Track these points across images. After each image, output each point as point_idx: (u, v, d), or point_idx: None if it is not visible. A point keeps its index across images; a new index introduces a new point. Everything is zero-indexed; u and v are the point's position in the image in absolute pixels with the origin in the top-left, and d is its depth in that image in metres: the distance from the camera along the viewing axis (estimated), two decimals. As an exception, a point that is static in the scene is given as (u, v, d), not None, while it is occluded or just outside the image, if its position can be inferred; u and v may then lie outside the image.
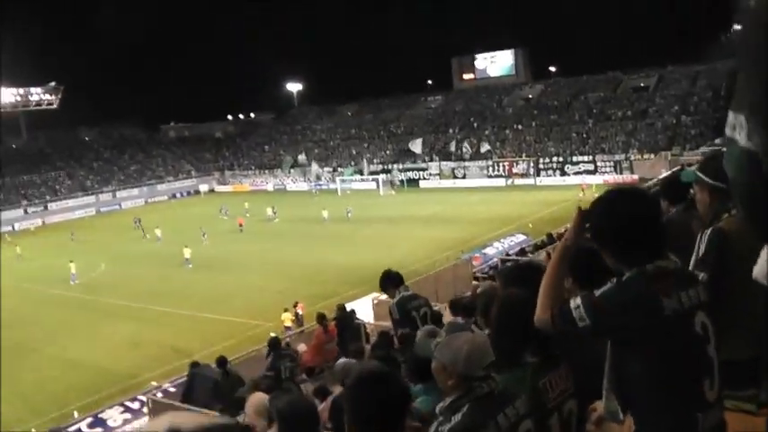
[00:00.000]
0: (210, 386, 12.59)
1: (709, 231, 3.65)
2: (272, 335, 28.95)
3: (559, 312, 2.95)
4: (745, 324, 3.38)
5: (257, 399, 6.37)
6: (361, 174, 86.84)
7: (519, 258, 22.98)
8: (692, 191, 4.58)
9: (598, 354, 3.09)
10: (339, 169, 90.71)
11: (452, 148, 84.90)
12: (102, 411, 18.37)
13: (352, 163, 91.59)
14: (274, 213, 64.82)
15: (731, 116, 2.24)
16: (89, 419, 17.93)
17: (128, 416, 17.61)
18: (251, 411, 6.01)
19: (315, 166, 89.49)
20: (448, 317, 10.69)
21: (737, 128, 2.18)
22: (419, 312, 9.35)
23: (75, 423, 18.06)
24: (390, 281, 9.65)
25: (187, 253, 46.86)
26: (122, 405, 18.30)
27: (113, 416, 17.99)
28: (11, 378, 27.94)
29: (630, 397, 2.92)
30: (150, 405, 15.37)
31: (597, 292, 2.87)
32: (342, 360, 8.22)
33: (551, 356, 3.58)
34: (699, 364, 2.82)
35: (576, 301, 2.88)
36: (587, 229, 3.12)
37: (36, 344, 33.03)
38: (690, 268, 3.54)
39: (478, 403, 3.12)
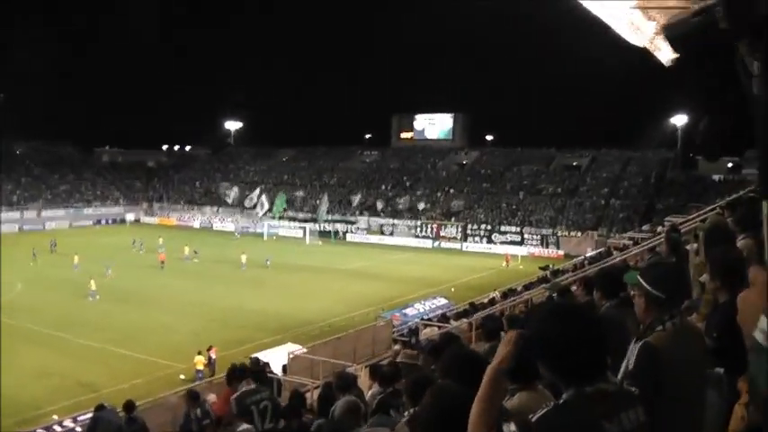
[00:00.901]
0: (113, 432, 12.36)
1: (640, 345, 3.62)
2: (182, 377, 28.75)
3: None
4: None
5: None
6: (289, 219, 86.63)
7: (441, 325, 23.09)
8: (631, 291, 4.51)
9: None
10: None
11: (380, 205, 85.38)
12: (-4, 445, 17.86)
13: (281, 194, 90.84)
14: (195, 253, 63.36)
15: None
16: (-19, 452, 17.41)
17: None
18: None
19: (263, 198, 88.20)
20: (364, 380, 10.76)
21: None
22: (259, 407, 9.46)
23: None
24: (234, 375, 10.10)
25: (93, 285, 45.55)
26: (20, 439, 17.83)
27: (9, 449, 17.51)
28: None
29: None
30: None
31: (534, 417, 2.68)
32: (244, 426, 8.17)
33: None
34: None
35: (509, 427, 2.74)
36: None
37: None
38: (619, 376, 3.56)
39: None
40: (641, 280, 3.86)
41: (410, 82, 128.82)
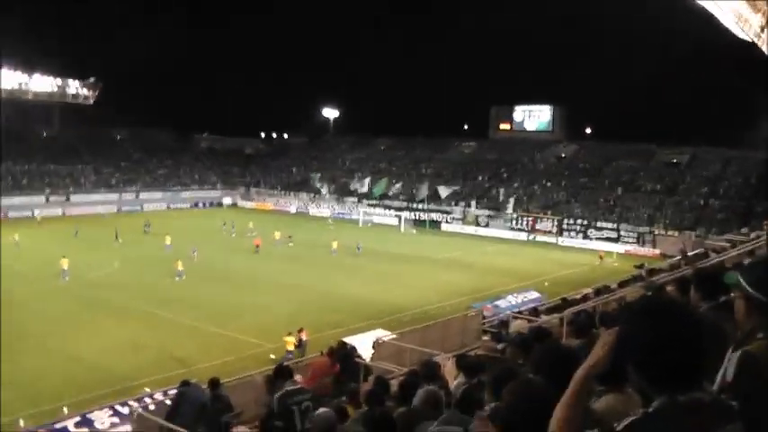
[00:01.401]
0: (197, 408, 12.37)
1: (739, 354, 3.22)
2: (273, 356, 28.98)
3: None
4: None
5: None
6: (385, 207, 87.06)
7: (531, 318, 22.58)
8: (732, 294, 4.12)
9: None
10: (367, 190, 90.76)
11: (476, 197, 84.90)
12: (90, 412, 18.27)
13: (393, 181, 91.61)
14: (289, 238, 63.80)
15: None
16: (77, 418, 17.85)
17: (115, 419, 17.50)
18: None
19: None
20: (451, 369, 10.49)
21: None
22: (300, 407, 9.49)
23: (63, 420, 17.97)
24: (280, 375, 10.32)
25: (180, 265, 46.52)
26: (112, 408, 18.20)
27: (101, 418, 17.89)
28: (11, 362, 28.06)
29: None
30: (135, 417, 15.14)
31: (619, 426, 2.42)
32: (323, 410, 7.99)
33: None
34: None
35: None
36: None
37: (39, 332, 33.09)
38: (715, 387, 3.21)
39: None
40: (742, 280, 3.42)
41: (509, 73, 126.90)
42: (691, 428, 2.35)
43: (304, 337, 30.39)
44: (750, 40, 26.52)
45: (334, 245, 59.17)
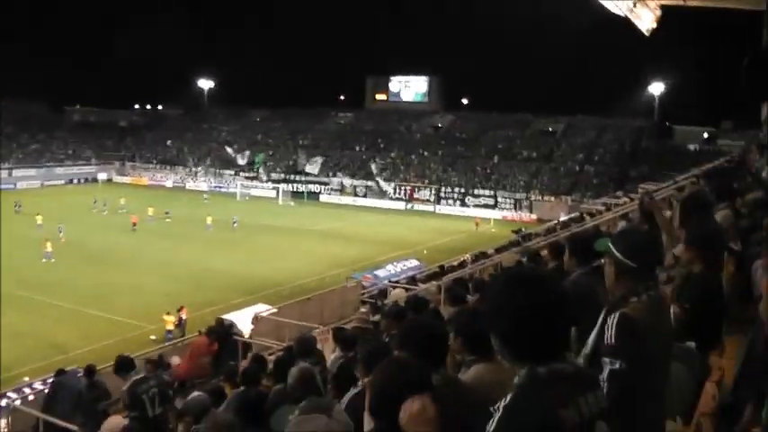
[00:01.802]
0: (74, 396, 12.12)
1: (617, 316, 3.29)
2: (153, 338, 28.55)
3: None
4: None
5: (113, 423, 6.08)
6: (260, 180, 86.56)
7: (409, 287, 22.88)
8: (602, 260, 4.12)
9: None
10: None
11: (352, 167, 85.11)
12: (-37, 407, 17.55)
13: (270, 153, 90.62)
14: (167, 213, 62.80)
15: None
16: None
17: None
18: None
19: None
20: (329, 342, 10.57)
21: None
22: (149, 395, 9.53)
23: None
24: (122, 367, 10.22)
25: (49, 246, 44.89)
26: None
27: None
28: None
29: None
30: (11, 410, 14.59)
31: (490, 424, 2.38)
32: (196, 394, 7.96)
33: None
34: None
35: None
36: None
37: None
38: (588, 350, 3.34)
39: None
40: (612, 247, 3.55)
41: (386, 43, 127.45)
42: (553, 400, 2.33)
43: (184, 315, 30.12)
44: (624, 15, 27.54)
45: (209, 220, 58.10)
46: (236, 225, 57.87)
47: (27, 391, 16.46)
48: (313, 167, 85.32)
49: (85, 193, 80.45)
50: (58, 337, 29.85)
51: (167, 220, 61.31)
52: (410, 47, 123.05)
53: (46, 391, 15.42)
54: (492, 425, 2.35)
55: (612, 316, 3.31)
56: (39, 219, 55.88)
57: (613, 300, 3.52)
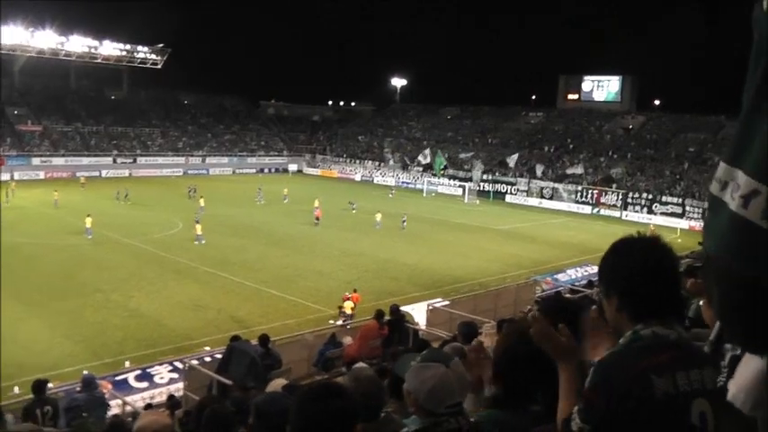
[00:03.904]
0: (247, 362, 12.73)
1: None
2: (332, 322, 29.43)
3: (564, 420, 2.53)
4: None
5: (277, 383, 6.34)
6: (450, 177, 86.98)
7: (584, 291, 22.54)
8: None
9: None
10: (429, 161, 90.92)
11: (540, 168, 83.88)
12: (151, 366, 18.93)
13: (446, 155, 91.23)
14: (351, 204, 63.96)
15: (722, 169, 1.74)
16: (137, 372, 18.54)
17: (174, 375, 18.06)
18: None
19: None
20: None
21: (730, 186, 1.67)
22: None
23: (124, 373, 18.68)
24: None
25: (199, 229, 46.18)
26: (171, 364, 18.80)
27: (161, 372, 18.55)
28: (74, 315, 29.48)
29: None
30: (186, 369, 15.69)
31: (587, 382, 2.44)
32: (359, 364, 8.25)
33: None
34: None
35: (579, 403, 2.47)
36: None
37: (103, 287, 34.19)
38: (713, 336, 3.21)
39: None
40: None
41: (579, 43, 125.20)
42: (648, 364, 2.35)
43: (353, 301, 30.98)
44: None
45: (378, 217, 56.25)
46: (404, 224, 56.12)
47: (207, 359, 17.48)
48: (511, 161, 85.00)
49: (276, 182, 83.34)
50: (239, 312, 31.25)
51: (353, 210, 62.71)
52: (603, 46, 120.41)
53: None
54: (587, 380, 2.43)
55: None
56: (201, 201, 58.80)
57: None
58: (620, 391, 2.32)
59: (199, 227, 46.20)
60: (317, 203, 59.29)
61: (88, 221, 45.85)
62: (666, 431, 2.34)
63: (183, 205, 59.96)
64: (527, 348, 3.04)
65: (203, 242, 45.34)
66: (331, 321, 29.64)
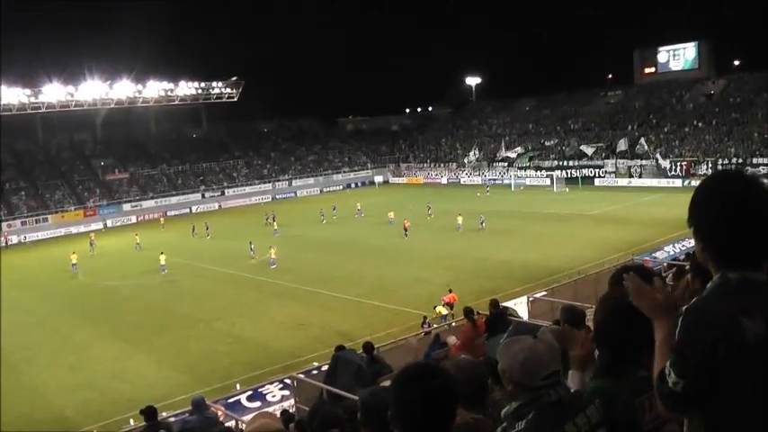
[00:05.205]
0: (353, 370, 12.85)
1: None
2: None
3: (659, 377, 2.45)
4: None
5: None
6: (536, 169, 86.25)
7: (683, 264, 22.00)
8: None
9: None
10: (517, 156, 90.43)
11: (623, 145, 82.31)
12: (262, 386, 19.30)
13: (530, 148, 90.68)
14: (429, 210, 63.56)
15: None
16: (249, 392, 18.91)
17: (286, 392, 18.35)
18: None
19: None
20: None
21: None
22: None
23: (237, 395, 19.09)
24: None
25: (273, 253, 46.41)
26: (281, 382, 19.11)
27: (272, 391, 18.91)
28: (178, 347, 30.58)
29: None
30: (295, 384, 15.96)
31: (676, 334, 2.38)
32: (465, 357, 8.26)
33: None
34: None
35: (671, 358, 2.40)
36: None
37: (204, 317, 35.21)
38: None
39: (545, 411, 2.84)
40: None
41: (649, 13, 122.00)
42: (737, 307, 2.26)
43: (450, 300, 31.17)
44: None
45: (459, 220, 55.47)
46: (483, 225, 54.50)
47: (315, 373, 17.74)
48: (589, 150, 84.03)
49: (366, 195, 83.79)
50: (342, 326, 31.71)
51: (429, 216, 62.57)
52: (674, 13, 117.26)
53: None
54: (677, 331, 2.38)
55: None
56: (275, 225, 60.49)
57: None
58: (709, 339, 2.25)
59: (273, 251, 46.52)
60: (391, 215, 59.83)
61: (162, 258, 47.14)
62: (762, 376, 2.23)
63: (261, 231, 60.53)
64: (625, 311, 2.99)
65: (274, 266, 45.54)
66: (435, 325, 29.74)
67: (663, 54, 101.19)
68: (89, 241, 59.31)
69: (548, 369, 2.89)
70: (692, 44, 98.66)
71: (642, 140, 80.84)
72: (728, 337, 2.22)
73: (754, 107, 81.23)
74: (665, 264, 28.85)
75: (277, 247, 47.91)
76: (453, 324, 19.97)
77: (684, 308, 2.41)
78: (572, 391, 3.07)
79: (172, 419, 13.68)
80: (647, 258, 34.52)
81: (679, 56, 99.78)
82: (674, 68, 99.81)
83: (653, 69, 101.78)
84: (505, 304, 21.72)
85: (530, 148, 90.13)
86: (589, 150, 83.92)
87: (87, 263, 52.02)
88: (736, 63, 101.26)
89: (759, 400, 2.24)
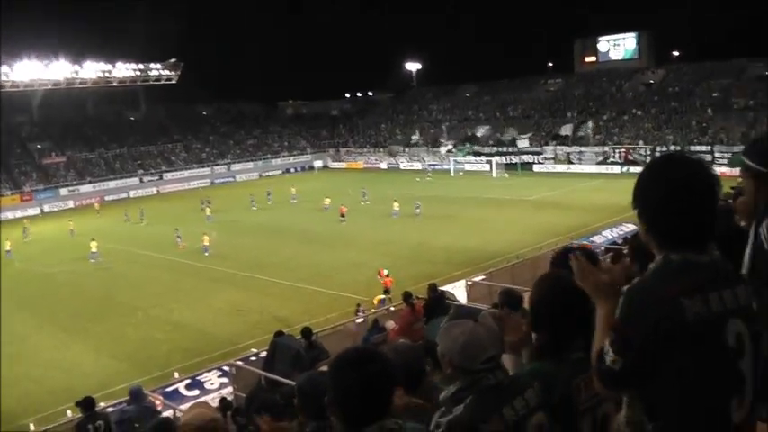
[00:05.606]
0: (292, 356, 12.81)
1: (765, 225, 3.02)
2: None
3: (598, 355, 2.48)
4: None
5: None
6: (475, 155, 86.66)
7: (619, 248, 22.32)
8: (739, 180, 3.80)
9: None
10: (452, 150, 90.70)
11: (566, 131, 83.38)
12: (200, 374, 19.08)
13: (467, 144, 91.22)
14: (364, 195, 63.59)
15: None
16: (187, 381, 18.68)
17: (224, 380, 18.20)
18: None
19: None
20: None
21: None
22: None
23: (175, 383, 18.85)
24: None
25: (206, 240, 45.75)
26: (220, 369, 18.94)
27: (211, 378, 18.69)
28: (116, 334, 30.17)
29: (651, 414, 2.46)
30: (233, 371, 15.83)
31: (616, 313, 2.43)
32: (400, 340, 8.23)
33: None
34: (725, 382, 2.36)
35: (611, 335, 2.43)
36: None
37: (142, 304, 34.70)
38: (745, 270, 3.02)
39: (483, 395, 2.85)
40: (746, 160, 3.19)
41: (590, 3, 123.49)
42: (677, 288, 2.33)
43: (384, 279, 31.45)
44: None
45: (396, 206, 54.84)
46: (418, 212, 53.79)
47: (253, 359, 17.61)
48: (522, 141, 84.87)
49: (303, 180, 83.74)
50: (281, 311, 31.52)
51: (366, 202, 62.62)
52: (615, 3, 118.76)
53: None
54: (617, 310, 2.42)
55: (761, 225, 3.07)
56: (208, 211, 59.43)
57: (759, 211, 3.16)
58: (650, 319, 2.31)
59: (206, 238, 45.90)
60: (327, 201, 59.49)
61: (93, 245, 46.16)
62: (702, 354, 2.32)
63: (197, 217, 59.56)
64: (561, 294, 3.10)
65: (207, 254, 44.87)
66: (374, 310, 29.73)
67: (603, 44, 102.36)
68: (22, 228, 57.82)
69: (487, 353, 2.89)
70: (633, 34, 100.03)
71: (589, 124, 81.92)
72: (669, 316, 2.30)
73: (693, 97, 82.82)
74: (602, 248, 29.33)
75: (213, 233, 47.44)
76: (392, 308, 19.97)
77: (626, 288, 2.44)
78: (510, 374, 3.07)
79: (110, 410, 13.49)
80: (586, 243, 34.97)
81: (619, 46, 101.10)
82: (614, 58, 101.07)
83: (593, 58, 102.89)
84: (444, 288, 21.83)
85: (467, 145, 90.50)
86: (522, 142, 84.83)
87: (22, 249, 51.05)
88: (676, 54, 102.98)
89: (698, 379, 2.32)
